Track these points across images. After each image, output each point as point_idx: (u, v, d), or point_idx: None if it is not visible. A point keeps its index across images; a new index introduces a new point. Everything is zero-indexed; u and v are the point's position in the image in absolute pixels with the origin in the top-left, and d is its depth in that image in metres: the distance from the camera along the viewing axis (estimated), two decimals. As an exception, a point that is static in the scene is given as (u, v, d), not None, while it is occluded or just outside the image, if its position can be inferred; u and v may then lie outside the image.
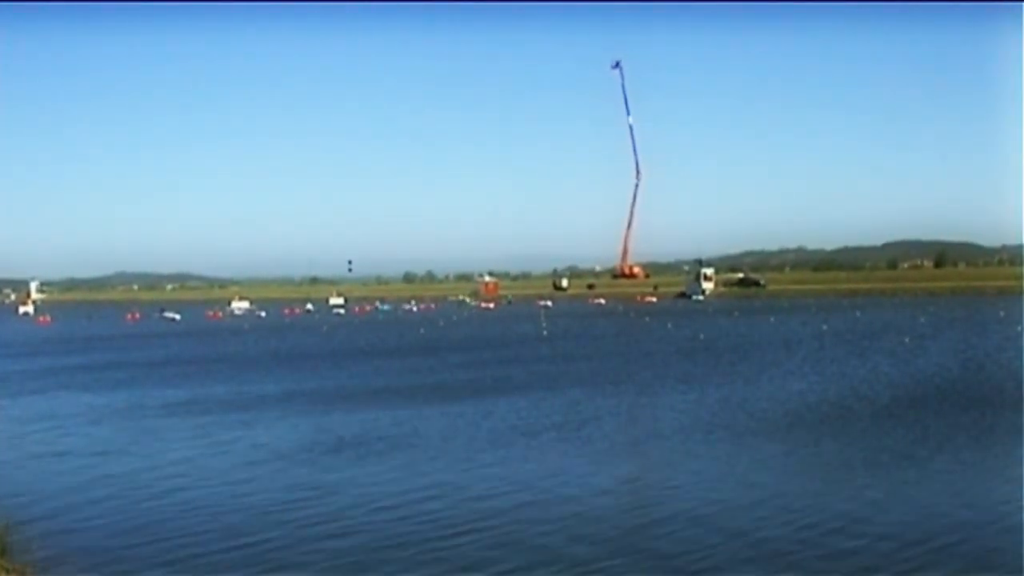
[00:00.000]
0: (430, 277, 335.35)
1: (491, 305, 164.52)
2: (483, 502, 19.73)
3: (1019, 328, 63.38)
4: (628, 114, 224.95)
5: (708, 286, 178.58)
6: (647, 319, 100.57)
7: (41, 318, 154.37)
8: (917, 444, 24.93)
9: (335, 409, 34.41)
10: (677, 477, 21.96)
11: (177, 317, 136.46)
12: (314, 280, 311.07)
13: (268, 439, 28.22)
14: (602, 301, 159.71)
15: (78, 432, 30.94)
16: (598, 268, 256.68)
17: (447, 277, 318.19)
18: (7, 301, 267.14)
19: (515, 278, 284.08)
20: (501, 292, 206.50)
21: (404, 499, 20.04)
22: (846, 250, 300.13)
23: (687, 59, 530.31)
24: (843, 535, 16.68)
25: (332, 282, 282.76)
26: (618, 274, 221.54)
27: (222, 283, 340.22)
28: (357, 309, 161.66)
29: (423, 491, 20.70)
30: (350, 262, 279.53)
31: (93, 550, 16.89)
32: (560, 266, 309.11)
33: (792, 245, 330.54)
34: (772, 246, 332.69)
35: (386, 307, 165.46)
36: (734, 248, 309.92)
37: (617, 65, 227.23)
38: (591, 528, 17.60)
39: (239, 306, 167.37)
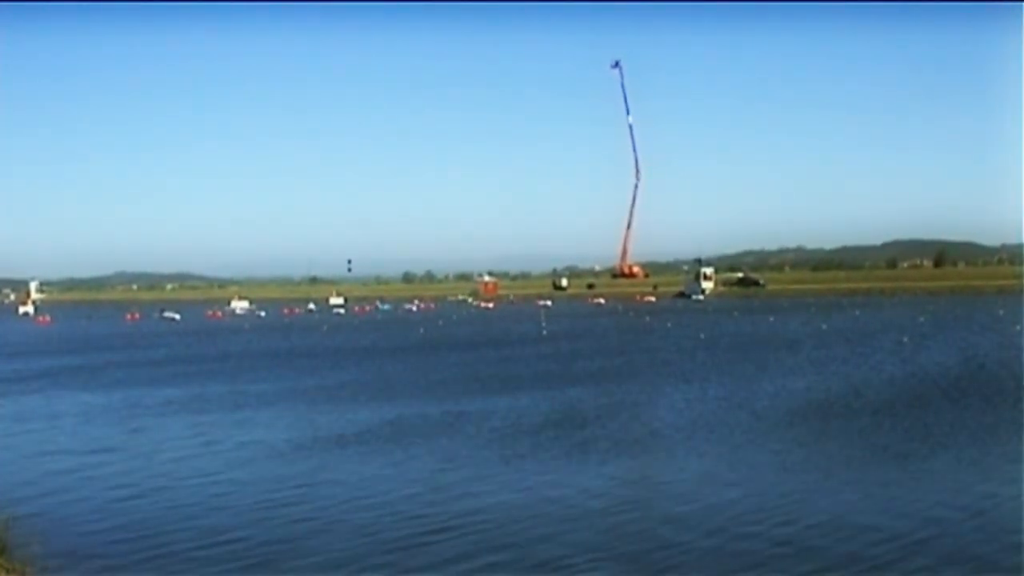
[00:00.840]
0: (429, 277, 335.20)
1: (491, 305, 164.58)
2: (482, 501, 19.70)
3: (1018, 327, 63.41)
4: (628, 114, 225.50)
5: (708, 286, 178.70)
6: (647, 318, 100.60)
7: (41, 318, 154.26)
8: (918, 442, 24.93)
9: (335, 408, 34.39)
10: (678, 475, 21.97)
11: (177, 317, 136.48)
12: (314, 280, 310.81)
13: (266, 437, 28.21)
14: (602, 301, 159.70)
15: (77, 431, 30.96)
16: (598, 268, 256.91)
17: (447, 277, 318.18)
18: (7, 301, 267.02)
19: (515, 278, 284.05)
20: (501, 292, 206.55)
21: (400, 497, 20.02)
22: (845, 249, 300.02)
23: (687, 59, 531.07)
24: (844, 533, 16.67)
25: (332, 282, 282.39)
26: (618, 274, 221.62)
27: (222, 283, 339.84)
28: (357, 309, 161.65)
29: (421, 489, 20.70)
30: (349, 262, 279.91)
31: (92, 548, 16.89)
32: (560, 266, 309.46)
33: (791, 245, 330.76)
34: (771, 246, 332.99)
35: (386, 307, 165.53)
36: (733, 248, 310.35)
37: (617, 65, 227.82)
38: (590, 525, 17.58)
39: (239, 306, 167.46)
